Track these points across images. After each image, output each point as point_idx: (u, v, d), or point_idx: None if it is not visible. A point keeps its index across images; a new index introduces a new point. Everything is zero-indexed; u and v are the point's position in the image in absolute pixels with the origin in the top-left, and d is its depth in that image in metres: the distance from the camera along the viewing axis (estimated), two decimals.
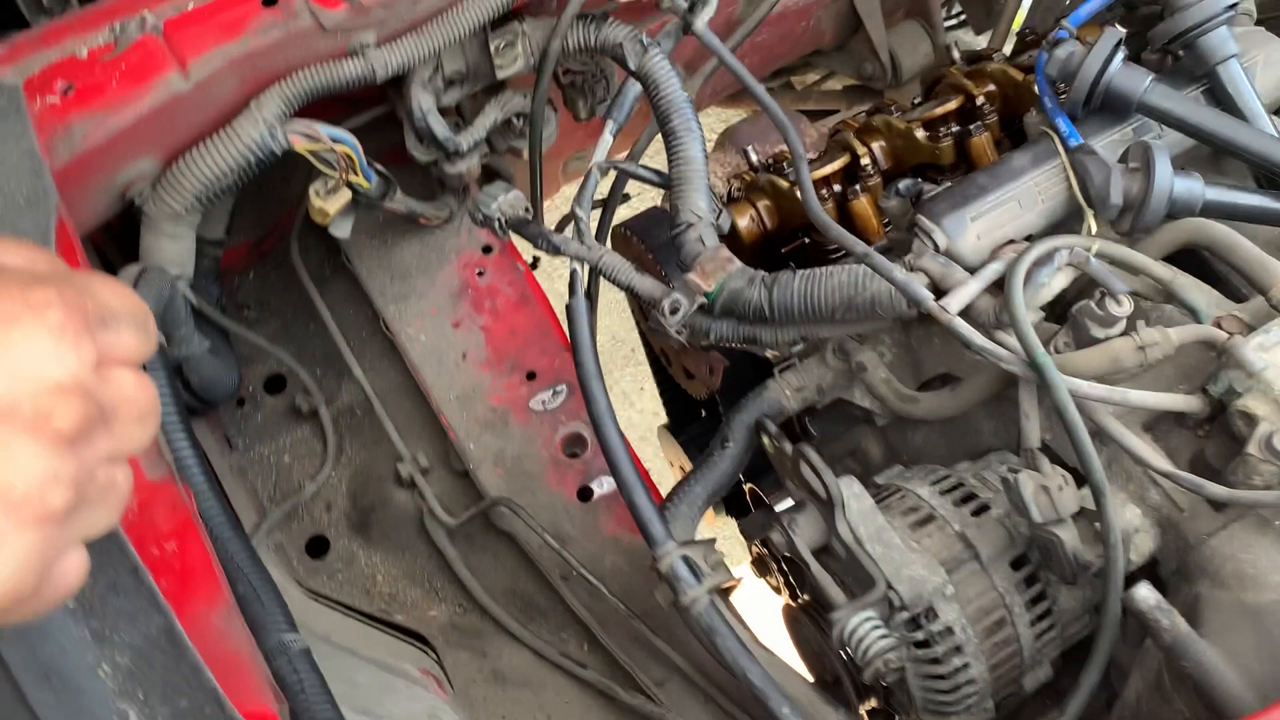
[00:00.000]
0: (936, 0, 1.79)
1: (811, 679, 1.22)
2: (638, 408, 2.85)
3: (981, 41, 2.13)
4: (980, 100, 1.27)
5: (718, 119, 3.08)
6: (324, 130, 1.06)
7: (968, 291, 0.95)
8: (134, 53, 0.99)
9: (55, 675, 0.67)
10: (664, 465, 1.81)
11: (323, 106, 1.21)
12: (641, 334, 1.57)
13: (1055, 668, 1.11)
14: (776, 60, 1.79)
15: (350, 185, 1.12)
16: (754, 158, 1.42)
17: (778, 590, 1.57)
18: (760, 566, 1.56)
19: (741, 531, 1.37)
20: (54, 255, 0.59)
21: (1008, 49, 1.94)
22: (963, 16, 2.10)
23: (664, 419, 1.75)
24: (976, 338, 0.93)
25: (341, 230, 1.17)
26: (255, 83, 1.04)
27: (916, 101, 1.44)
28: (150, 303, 0.93)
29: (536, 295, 1.37)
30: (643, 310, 1.48)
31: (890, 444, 1.29)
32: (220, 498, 0.84)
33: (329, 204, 1.11)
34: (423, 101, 1.14)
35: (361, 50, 1.06)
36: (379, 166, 1.16)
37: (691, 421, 1.68)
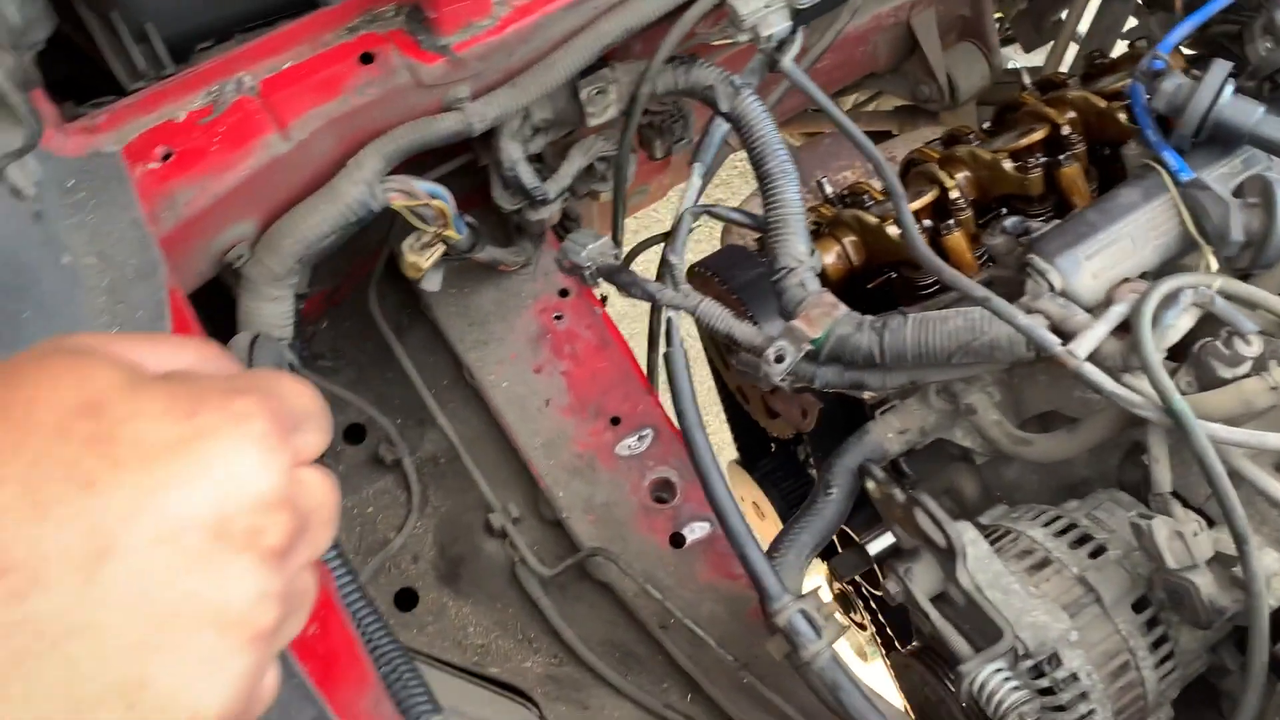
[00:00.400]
0: (991, 21, 1.77)
1: None
2: None
3: (1030, 59, 2.12)
4: (1066, 128, 1.25)
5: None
6: (420, 186, 1.05)
7: (1095, 335, 0.94)
8: (232, 115, 0.98)
9: None
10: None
11: (410, 159, 1.20)
12: (714, 369, 1.55)
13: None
14: (834, 86, 1.78)
15: (443, 239, 1.10)
16: (829, 190, 1.41)
17: (862, 627, 1.55)
18: (843, 603, 1.54)
19: (831, 571, 1.35)
20: (228, 353, 0.58)
21: (1062, 67, 1.94)
22: (1009, 32, 2.09)
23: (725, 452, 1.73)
24: (1108, 384, 0.91)
25: (434, 284, 1.15)
26: (353, 140, 1.02)
27: (987, 129, 1.42)
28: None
29: (615, 339, 1.36)
30: (720, 346, 1.46)
31: (985, 481, 1.28)
32: (354, 572, 0.82)
33: (423, 259, 1.10)
34: (512, 152, 1.13)
35: (458, 104, 1.04)
36: (469, 219, 1.15)
37: (762, 455, 1.66)
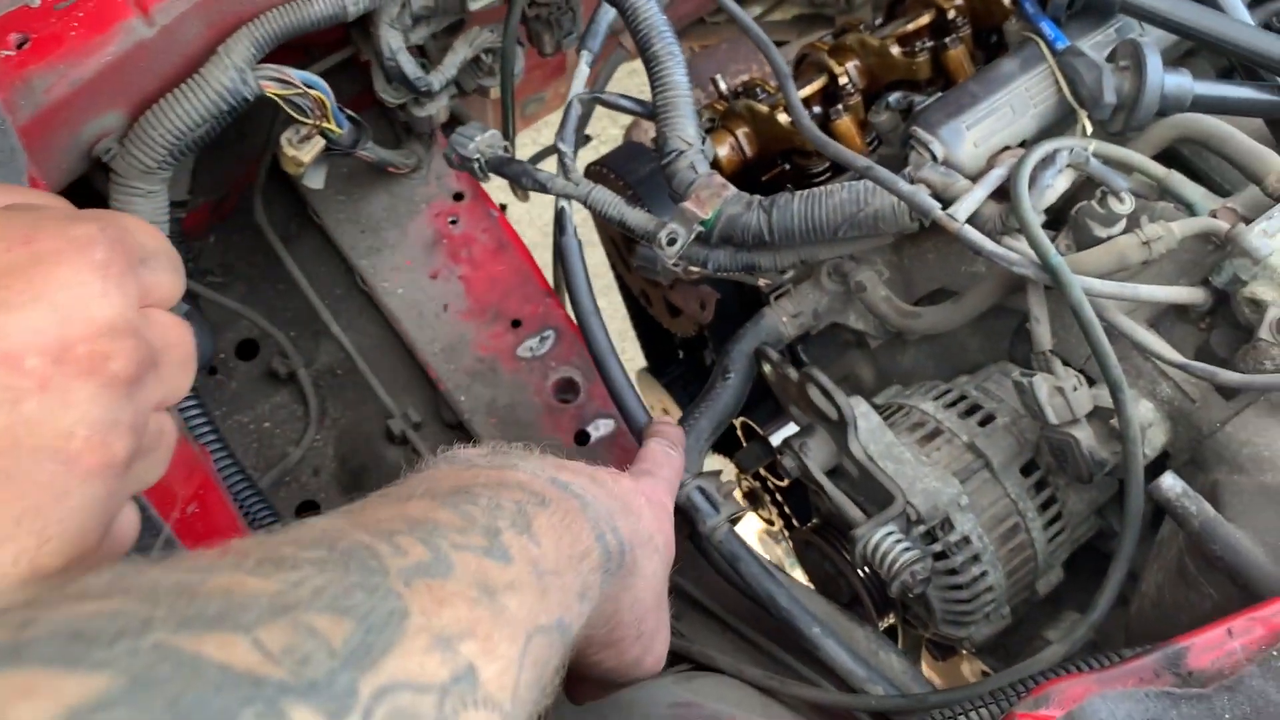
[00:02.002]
0: None
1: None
2: None
3: None
4: (952, 13, 1.26)
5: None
6: (296, 75, 1.02)
7: (974, 198, 0.95)
8: None
9: None
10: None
11: (283, 55, 1.16)
12: (618, 276, 1.54)
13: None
14: None
15: (323, 132, 1.08)
16: (724, 86, 1.40)
17: (770, 522, 1.57)
18: (753, 500, 1.56)
19: (736, 464, 1.36)
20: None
21: None
22: None
23: (634, 361, 1.73)
24: (988, 244, 0.93)
25: (315, 180, 1.12)
26: (222, 26, 0.98)
27: (878, 24, 1.42)
28: None
29: (513, 241, 1.34)
30: (621, 249, 1.45)
31: (881, 367, 1.30)
32: (234, 454, 0.81)
33: (302, 152, 1.07)
34: (392, 40, 1.10)
35: None
36: (350, 112, 1.12)
37: (670, 363, 1.66)
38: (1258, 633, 0.69)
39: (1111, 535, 1.14)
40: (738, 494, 1.20)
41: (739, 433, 1.39)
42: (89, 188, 1.06)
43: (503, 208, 1.51)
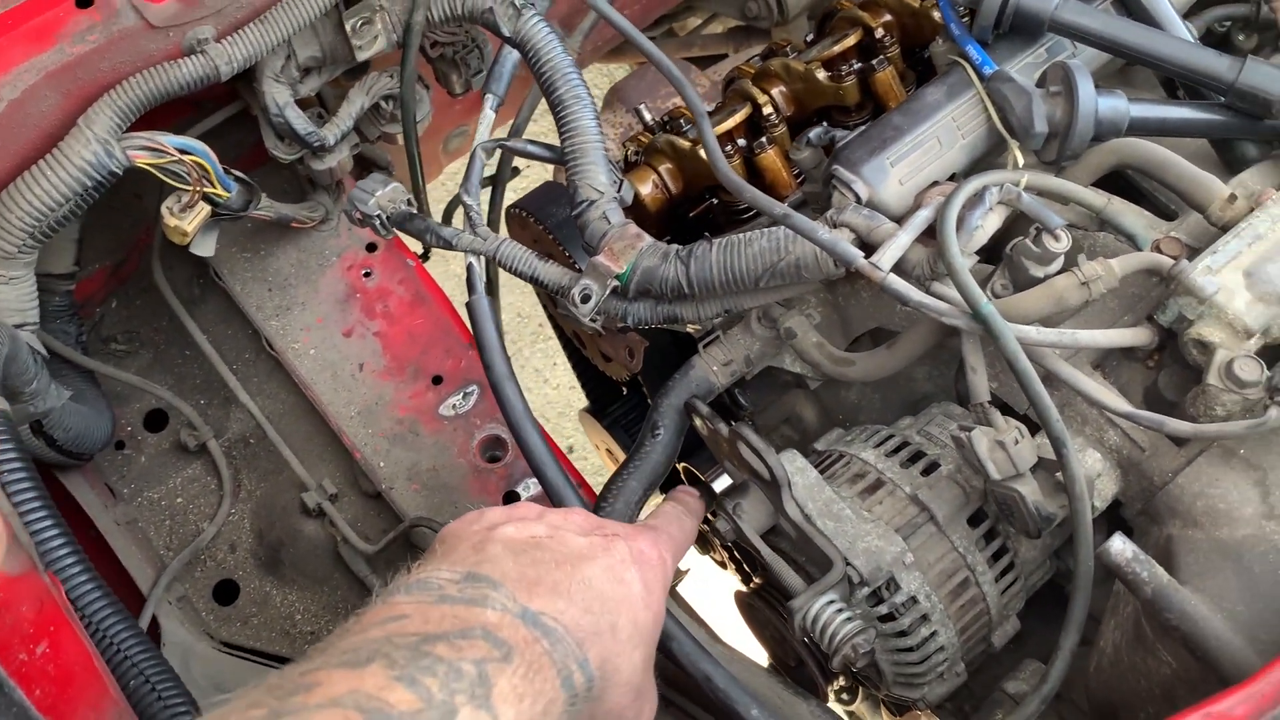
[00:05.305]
0: None
1: (771, 662, 1.16)
2: (552, 384, 2.76)
3: None
4: (880, 33, 1.19)
5: (600, 74, 2.97)
6: (169, 141, 0.94)
7: (898, 245, 0.89)
8: None
9: None
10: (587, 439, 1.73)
11: (169, 112, 1.09)
12: (550, 317, 1.47)
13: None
14: (657, 8, 1.70)
15: (208, 198, 1.00)
16: (648, 117, 1.33)
17: (724, 565, 1.51)
18: (703, 544, 1.49)
19: None
20: None
21: None
22: None
23: (581, 394, 1.67)
24: (914, 294, 0.86)
25: (205, 248, 1.05)
26: (81, 96, 0.91)
27: (809, 40, 1.36)
28: None
29: (432, 292, 1.27)
30: (551, 295, 1.38)
31: (825, 406, 1.23)
32: (96, 578, 0.73)
33: (186, 221, 0.99)
34: (277, 96, 1.03)
35: (200, 47, 0.93)
36: (237, 173, 1.05)
37: (613, 400, 1.59)
38: None
39: (1070, 576, 1.08)
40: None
41: (682, 478, 1.32)
42: None
43: (425, 254, 1.44)
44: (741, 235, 0.96)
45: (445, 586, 0.67)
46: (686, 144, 1.19)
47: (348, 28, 1.02)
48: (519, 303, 2.78)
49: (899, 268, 0.89)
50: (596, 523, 0.84)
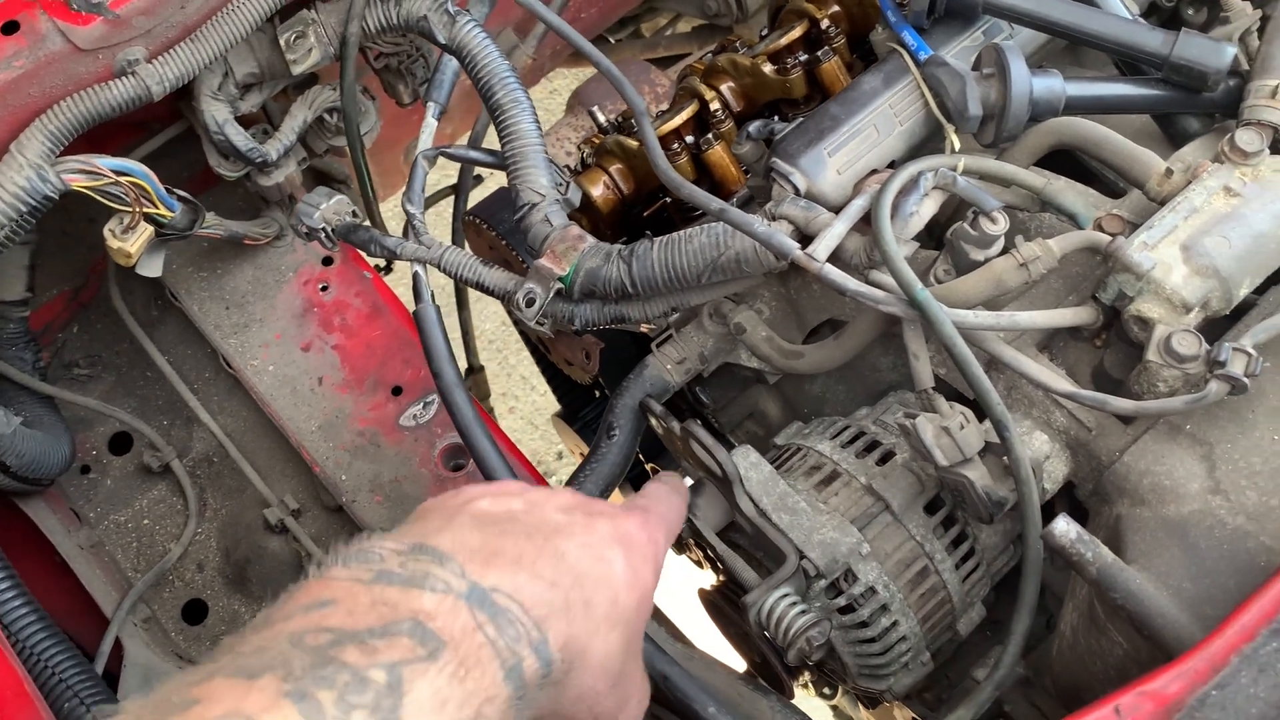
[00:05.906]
0: None
1: (742, 661, 1.15)
2: (540, 391, 2.75)
3: None
4: (825, 23, 1.19)
5: (575, 79, 2.97)
6: (104, 163, 0.94)
7: (833, 234, 0.88)
8: None
9: None
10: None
11: (119, 134, 1.09)
12: (515, 324, 1.47)
13: (988, 602, 1.06)
14: (618, 9, 1.70)
15: (150, 219, 1.00)
16: (601, 118, 1.33)
17: (700, 564, 1.50)
18: (679, 544, 1.49)
19: None
20: None
21: None
22: None
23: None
24: (850, 283, 0.86)
25: (152, 269, 1.05)
26: (12, 122, 0.91)
27: (764, 34, 1.35)
28: None
29: (390, 304, 1.27)
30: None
31: (789, 400, 1.23)
32: (27, 599, 0.73)
33: (129, 243, 0.99)
34: (216, 113, 1.03)
35: (131, 68, 0.93)
36: (181, 193, 1.04)
37: (586, 404, 1.59)
38: (1146, 709, 0.62)
39: None
40: None
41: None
42: None
43: (388, 267, 1.44)
44: (682, 233, 0.95)
45: (386, 559, 0.61)
46: (634, 144, 1.19)
47: (282, 42, 1.02)
48: (503, 310, 2.78)
49: (837, 257, 0.89)
50: (582, 500, 0.78)
